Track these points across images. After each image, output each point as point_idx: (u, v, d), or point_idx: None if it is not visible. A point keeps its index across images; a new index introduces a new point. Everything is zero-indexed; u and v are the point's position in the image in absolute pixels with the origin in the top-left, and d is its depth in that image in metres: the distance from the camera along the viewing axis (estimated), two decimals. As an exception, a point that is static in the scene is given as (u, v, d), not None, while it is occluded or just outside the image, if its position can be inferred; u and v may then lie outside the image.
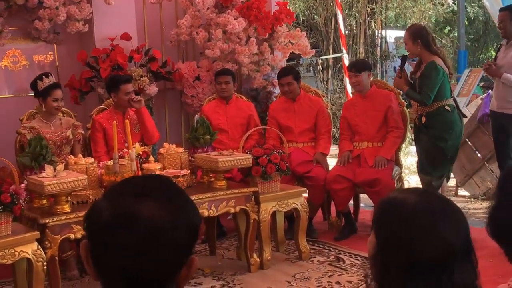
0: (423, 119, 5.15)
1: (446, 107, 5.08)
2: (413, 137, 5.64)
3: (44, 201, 4.01)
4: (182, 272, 1.18)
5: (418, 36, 5.11)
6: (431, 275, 1.33)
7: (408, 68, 5.72)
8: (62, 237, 3.79)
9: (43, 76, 4.81)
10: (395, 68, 13.69)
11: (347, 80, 9.00)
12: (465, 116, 5.93)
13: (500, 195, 1.65)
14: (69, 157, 4.46)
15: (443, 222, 1.37)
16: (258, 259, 4.62)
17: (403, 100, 5.63)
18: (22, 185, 3.81)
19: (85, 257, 1.18)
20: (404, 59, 5.36)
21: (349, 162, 5.40)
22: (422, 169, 5.34)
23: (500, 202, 1.64)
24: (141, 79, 5.70)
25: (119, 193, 1.17)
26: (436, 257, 1.33)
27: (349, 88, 8.93)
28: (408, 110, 5.75)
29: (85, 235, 1.20)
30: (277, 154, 4.61)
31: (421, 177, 5.42)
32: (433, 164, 5.20)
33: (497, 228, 1.61)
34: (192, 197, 4.07)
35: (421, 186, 7.03)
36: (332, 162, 5.91)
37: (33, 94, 4.92)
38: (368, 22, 11.86)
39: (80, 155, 4.37)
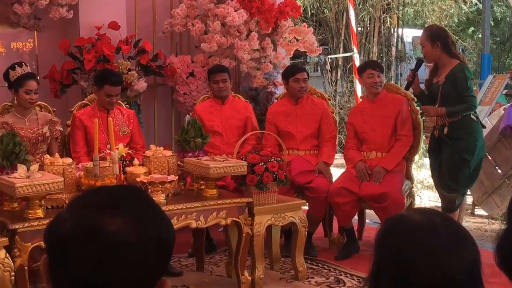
0: (445, 130, 5.11)
1: (472, 116, 5.07)
2: (427, 149, 5.60)
3: (15, 205, 4.02)
4: None
5: (437, 38, 5.10)
6: None
7: (425, 70, 5.70)
8: (33, 245, 3.78)
9: (16, 66, 4.80)
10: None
11: (357, 82, 9.02)
12: (484, 127, 5.92)
13: (509, 222, 1.62)
14: (45, 156, 4.46)
15: (446, 247, 1.37)
16: (249, 277, 4.61)
17: (417, 108, 5.59)
18: (-9, 186, 3.81)
19: (44, 273, 1.17)
20: (419, 62, 5.35)
21: (369, 173, 5.32)
22: (443, 185, 5.28)
23: (508, 230, 1.61)
24: (129, 73, 5.69)
25: (84, 204, 1.17)
26: (431, 283, 1.34)
27: (359, 91, 8.94)
28: (423, 118, 5.71)
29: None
30: (275, 162, 4.61)
31: (442, 194, 5.39)
32: (457, 179, 5.16)
33: (504, 258, 1.58)
34: (179, 206, 4.17)
35: (437, 203, 7.02)
36: (336, 172, 5.89)
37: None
38: (383, 19, 11.85)
39: (57, 155, 4.36)
